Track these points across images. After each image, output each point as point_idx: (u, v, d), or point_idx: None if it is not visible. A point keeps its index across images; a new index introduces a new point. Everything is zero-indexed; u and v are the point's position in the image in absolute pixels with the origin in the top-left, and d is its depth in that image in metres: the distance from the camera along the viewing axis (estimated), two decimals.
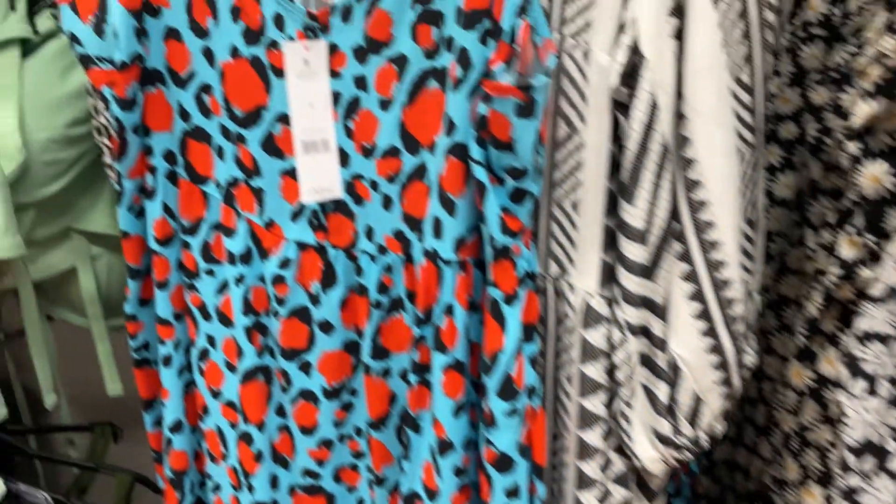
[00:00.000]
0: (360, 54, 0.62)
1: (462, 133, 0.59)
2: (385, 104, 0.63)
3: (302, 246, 0.69)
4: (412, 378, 0.68)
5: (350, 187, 0.66)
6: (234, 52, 0.66)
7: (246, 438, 0.74)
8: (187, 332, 0.76)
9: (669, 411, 0.66)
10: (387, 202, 0.65)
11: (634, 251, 0.62)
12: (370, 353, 0.69)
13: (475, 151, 0.58)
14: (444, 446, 0.66)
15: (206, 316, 0.73)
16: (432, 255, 0.63)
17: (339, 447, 0.74)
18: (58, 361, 1.13)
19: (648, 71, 0.57)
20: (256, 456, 0.74)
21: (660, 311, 0.65)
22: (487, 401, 0.63)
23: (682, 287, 0.64)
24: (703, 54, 0.57)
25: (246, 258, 0.70)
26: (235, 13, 0.65)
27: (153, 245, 0.70)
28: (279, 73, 0.65)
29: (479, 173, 0.58)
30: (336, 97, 0.64)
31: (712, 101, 0.59)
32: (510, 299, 0.61)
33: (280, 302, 0.69)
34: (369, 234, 0.67)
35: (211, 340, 0.74)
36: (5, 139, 0.88)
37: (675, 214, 0.63)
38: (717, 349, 0.65)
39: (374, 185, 0.65)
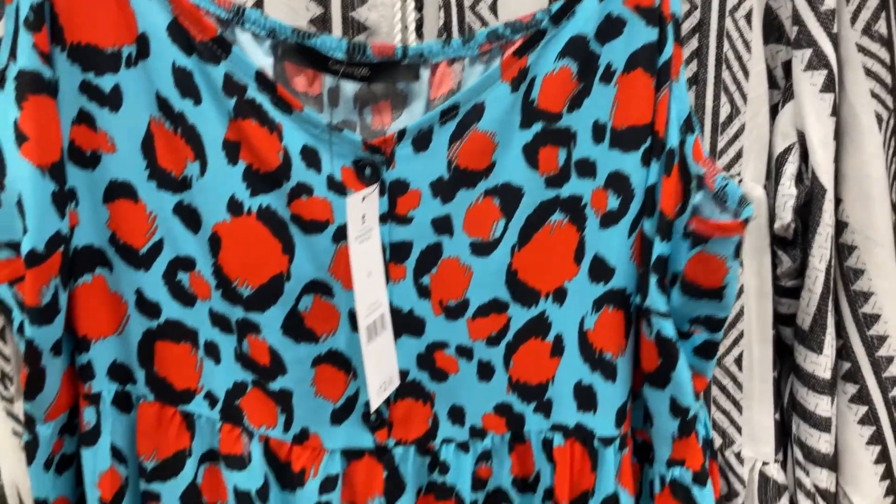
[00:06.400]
0: (443, 190, 0.44)
1: (623, 277, 0.46)
2: (482, 248, 0.45)
3: (352, 454, 0.48)
4: None
5: (425, 361, 0.47)
6: (234, 207, 0.44)
7: None
8: None
9: None
10: (485, 371, 0.48)
11: (823, 406, 0.53)
12: None
13: (658, 301, 0.45)
14: None
15: None
16: (581, 434, 0.48)
17: None
18: None
19: (829, 202, 0.50)
20: None
21: (837, 464, 0.56)
22: None
23: (860, 432, 0.55)
24: (879, 178, 0.51)
25: (263, 495, 0.47)
26: (232, 150, 0.43)
27: None
28: (306, 226, 0.44)
29: (667, 328, 0.45)
30: (403, 249, 0.45)
31: (887, 228, 0.53)
32: (700, 479, 0.48)
33: None
34: (456, 416, 0.49)
35: None
36: None
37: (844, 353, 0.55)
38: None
39: (464, 353, 0.47)
